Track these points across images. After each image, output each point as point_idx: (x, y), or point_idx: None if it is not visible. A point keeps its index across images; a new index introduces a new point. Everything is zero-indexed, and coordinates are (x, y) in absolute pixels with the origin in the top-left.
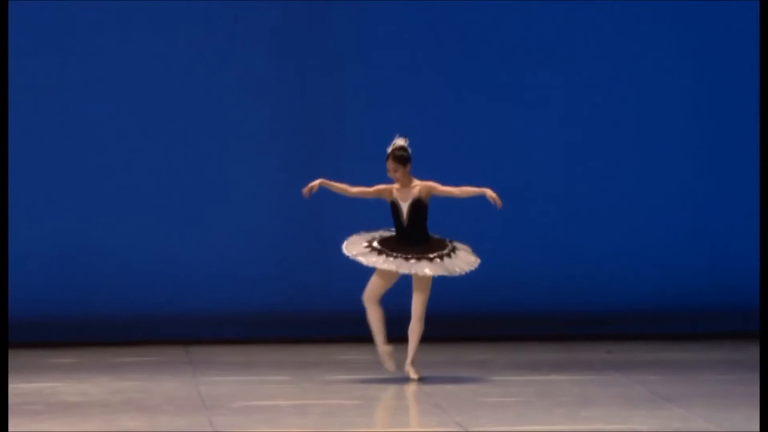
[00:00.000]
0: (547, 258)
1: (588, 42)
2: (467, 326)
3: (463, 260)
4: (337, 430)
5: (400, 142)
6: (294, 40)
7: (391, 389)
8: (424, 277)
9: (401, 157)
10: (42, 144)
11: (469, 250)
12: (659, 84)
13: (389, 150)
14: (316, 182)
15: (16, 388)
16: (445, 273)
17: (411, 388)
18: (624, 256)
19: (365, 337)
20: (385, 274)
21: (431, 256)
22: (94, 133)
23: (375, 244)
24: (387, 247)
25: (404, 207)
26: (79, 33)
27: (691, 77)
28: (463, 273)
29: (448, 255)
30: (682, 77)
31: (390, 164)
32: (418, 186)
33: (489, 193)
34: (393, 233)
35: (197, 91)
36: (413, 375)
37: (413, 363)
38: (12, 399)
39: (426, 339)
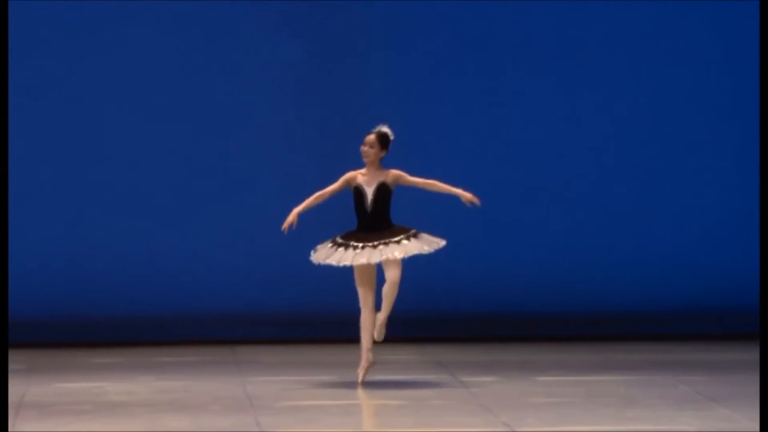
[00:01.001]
0: (585, 259)
1: (607, 42)
2: (512, 326)
3: (428, 240)
4: (382, 431)
5: (387, 130)
6: (318, 37)
7: (436, 389)
8: (395, 260)
9: (382, 137)
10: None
11: (431, 235)
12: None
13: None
14: (292, 216)
15: (62, 387)
16: (416, 251)
17: (456, 389)
18: (661, 257)
19: (410, 338)
20: (361, 275)
21: (397, 239)
22: (119, 131)
23: (339, 239)
24: (351, 239)
25: (369, 192)
26: (91, 31)
27: (690, 77)
28: (432, 250)
29: (414, 236)
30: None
31: (369, 138)
32: (388, 172)
33: (465, 195)
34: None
35: (206, 91)
36: (378, 336)
37: (383, 323)
38: (58, 398)
39: (472, 339)
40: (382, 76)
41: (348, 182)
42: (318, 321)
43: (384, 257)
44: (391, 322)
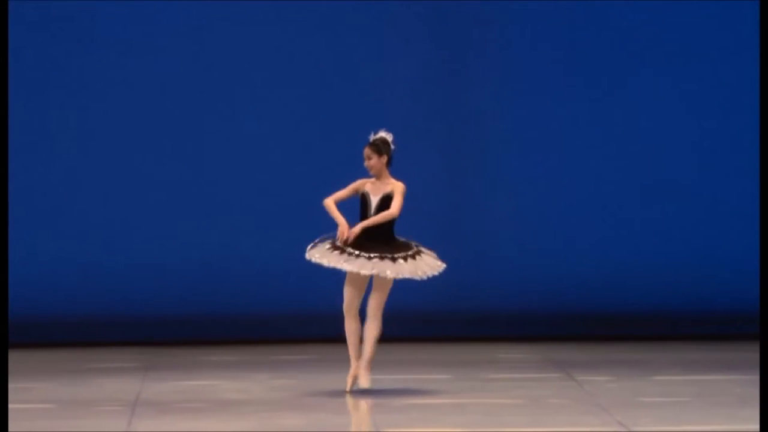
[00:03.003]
0: (697, 258)
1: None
2: (627, 325)
3: (427, 264)
4: (497, 430)
5: (382, 134)
6: (421, 40)
7: (551, 388)
8: (386, 279)
9: (376, 146)
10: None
11: (434, 255)
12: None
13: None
14: (354, 231)
15: (178, 385)
16: (408, 275)
17: (571, 388)
18: None
19: (525, 336)
20: (352, 281)
21: (396, 256)
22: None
23: (338, 242)
24: (350, 245)
25: (374, 200)
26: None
27: (689, 77)
28: (426, 277)
29: (413, 257)
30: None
31: (366, 151)
32: (393, 184)
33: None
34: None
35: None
36: (364, 383)
37: (367, 368)
38: (173, 396)
39: (587, 338)
40: (511, 74)
41: (357, 189)
42: (435, 319)
43: (375, 271)
44: (507, 320)
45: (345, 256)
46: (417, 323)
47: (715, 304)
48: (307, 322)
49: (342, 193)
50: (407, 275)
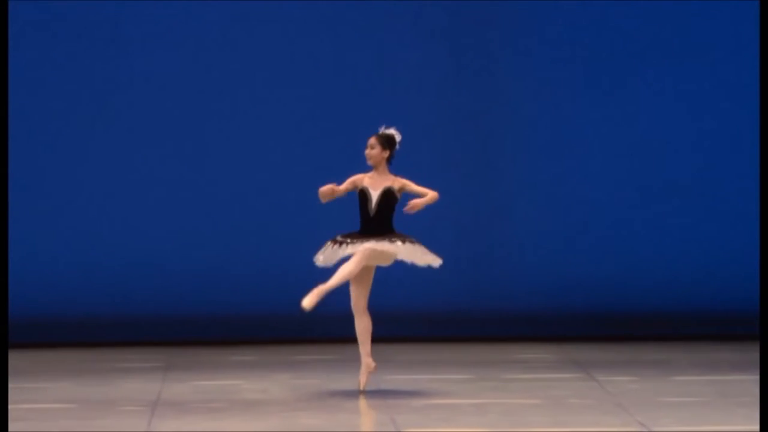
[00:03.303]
0: (719, 257)
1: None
2: (648, 325)
3: (422, 252)
4: (518, 430)
5: (393, 131)
6: (451, 37)
7: (571, 388)
8: (370, 267)
9: (383, 138)
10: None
11: (426, 250)
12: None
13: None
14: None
15: (199, 385)
16: (402, 256)
17: (592, 388)
18: None
19: (546, 336)
20: (356, 279)
21: (392, 239)
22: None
23: (338, 237)
24: (348, 237)
25: (374, 195)
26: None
27: (689, 75)
28: (423, 264)
29: (411, 242)
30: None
31: (371, 140)
32: (395, 179)
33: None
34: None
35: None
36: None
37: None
38: (194, 396)
39: (608, 338)
40: (514, 74)
41: (354, 184)
42: (454, 320)
43: (370, 244)
44: (528, 320)
45: (344, 246)
46: (437, 323)
47: (739, 304)
48: (327, 322)
49: (340, 187)
50: (403, 256)
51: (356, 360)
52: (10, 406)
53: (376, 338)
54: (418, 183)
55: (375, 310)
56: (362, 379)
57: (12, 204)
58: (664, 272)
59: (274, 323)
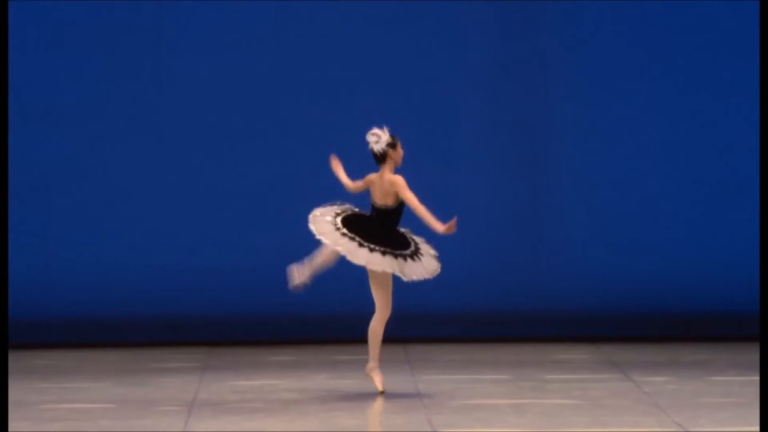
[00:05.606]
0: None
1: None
2: (686, 326)
3: (424, 266)
4: (555, 430)
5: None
6: (504, 39)
7: (608, 389)
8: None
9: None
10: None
11: (433, 254)
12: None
13: (397, 139)
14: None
15: (236, 385)
16: (397, 272)
17: (630, 389)
18: None
19: (584, 337)
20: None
21: (407, 252)
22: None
23: (345, 230)
24: (352, 230)
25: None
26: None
27: (685, 78)
28: (422, 279)
29: (412, 257)
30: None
31: (400, 142)
32: (390, 179)
33: (440, 230)
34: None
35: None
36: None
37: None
38: (231, 396)
39: (646, 339)
40: (564, 74)
41: (368, 184)
42: (492, 320)
43: (364, 258)
44: (566, 321)
45: (342, 239)
46: (475, 324)
47: None
48: (365, 322)
49: (357, 184)
50: (396, 270)
51: (395, 361)
52: (49, 406)
53: (414, 338)
54: (453, 182)
55: (412, 310)
56: (379, 381)
57: (50, 206)
58: (703, 273)
59: (312, 323)
